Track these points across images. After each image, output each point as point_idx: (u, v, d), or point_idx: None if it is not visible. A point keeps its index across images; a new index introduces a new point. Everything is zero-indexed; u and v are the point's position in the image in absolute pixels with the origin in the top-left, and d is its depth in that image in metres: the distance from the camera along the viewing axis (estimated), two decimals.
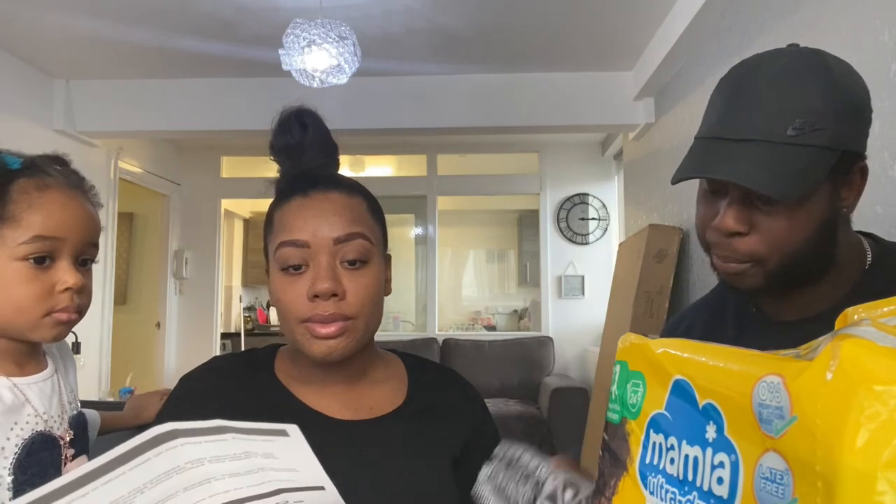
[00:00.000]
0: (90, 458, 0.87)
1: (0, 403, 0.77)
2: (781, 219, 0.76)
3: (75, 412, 0.88)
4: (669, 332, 1.08)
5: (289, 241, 0.79)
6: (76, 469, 0.79)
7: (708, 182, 0.83)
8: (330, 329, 0.78)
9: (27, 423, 0.79)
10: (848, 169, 0.78)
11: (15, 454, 0.76)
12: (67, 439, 0.83)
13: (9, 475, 0.75)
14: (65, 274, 0.80)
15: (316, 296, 0.77)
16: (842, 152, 0.75)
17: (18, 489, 0.75)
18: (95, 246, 0.86)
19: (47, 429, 0.81)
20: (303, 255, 0.79)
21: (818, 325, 0.72)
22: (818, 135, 0.73)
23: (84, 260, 0.85)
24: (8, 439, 0.76)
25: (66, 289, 0.80)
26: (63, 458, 0.81)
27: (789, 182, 0.73)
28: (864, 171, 0.80)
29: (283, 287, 0.80)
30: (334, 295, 0.78)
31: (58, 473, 0.79)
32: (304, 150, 0.86)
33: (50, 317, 0.80)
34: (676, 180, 0.81)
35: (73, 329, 0.87)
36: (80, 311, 0.84)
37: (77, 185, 0.86)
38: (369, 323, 0.82)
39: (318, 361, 0.82)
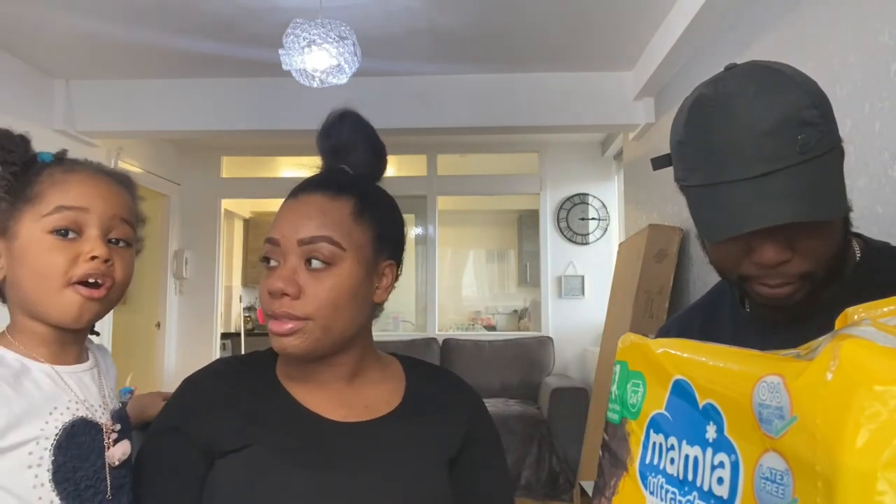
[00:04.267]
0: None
1: (39, 390, 0.79)
2: (819, 233, 0.76)
3: (118, 406, 0.90)
4: (670, 328, 1.08)
5: (267, 238, 0.84)
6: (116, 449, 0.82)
7: None
8: (283, 327, 0.80)
9: (67, 408, 0.81)
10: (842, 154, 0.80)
11: (56, 436, 0.78)
12: (111, 427, 0.85)
13: (49, 456, 0.77)
14: (92, 243, 0.81)
15: (270, 292, 0.81)
16: (839, 142, 0.77)
17: (58, 470, 0.77)
18: (128, 224, 0.86)
19: (89, 415, 0.82)
20: (275, 252, 0.83)
21: (810, 324, 0.74)
22: (821, 140, 0.73)
23: (117, 240, 0.85)
24: (47, 423, 0.78)
25: (93, 258, 0.80)
26: (106, 443, 0.83)
27: (831, 196, 0.74)
28: (843, 152, 0.79)
29: (261, 280, 0.84)
30: (286, 295, 0.80)
31: (100, 458, 0.82)
32: (341, 151, 0.90)
33: (72, 288, 0.80)
34: (719, 239, 0.79)
35: None
36: (110, 290, 0.83)
37: (109, 172, 0.87)
38: (330, 325, 0.81)
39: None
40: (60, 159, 0.86)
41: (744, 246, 0.79)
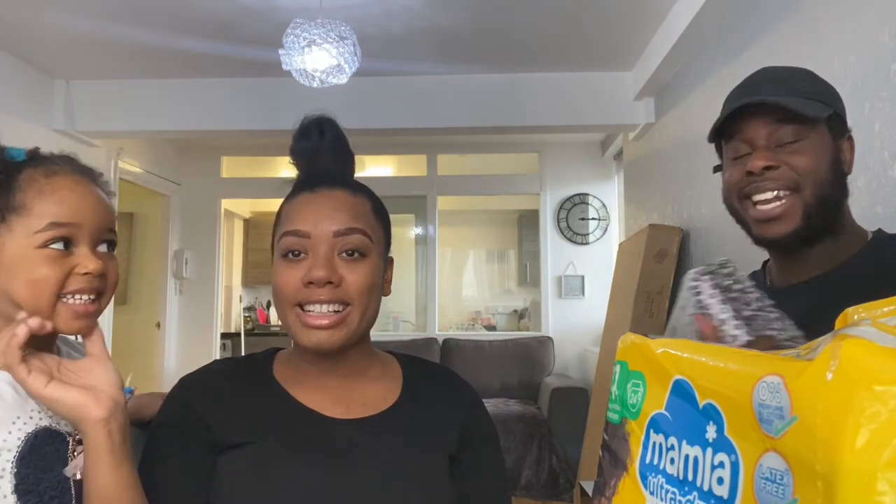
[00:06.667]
0: None
1: (1, 401, 0.77)
2: (802, 154, 0.91)
3: None
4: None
5: (291, 231, 0.84)
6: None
7: (732, 150, 0.98)
8: (323, 320, 0.81)
9: (31, 417, 0.79)
10: (842, 132, 0.96)
11: (18, 447, 0.76)
12: (77, 436, 0.83)
13: (12, 468, 0.75)
14: (85, 259, 0.81)
15: (311, 282, 0.81)
16: (834, 111, 0.94)
17: (21, 482, 0.76)
18: (112, 231, 0.87)
19: (53, 424, 0.81)
20: (303, 244, 0.83)
21: (808, 288, 0.92)
22: (812, 94, 0.94)
23: (104, 243, 0.85)
24: (10, 433, 0.76)
25: (86, 273, 0.81)
26: (70, 452, 0.81)
27: (807, 109, 0.91)
28: (852, 144, 0.97)
29: (281, 272, 0.83)
30: (329, 283, 0.81)
31: (64, 467, 0.80)
32: (321, 155, 0.91)
33: (66, 305, 0.80)
34: (713, 132, 0.98)
35: None
36: (100, 298, 0.84)
37: (85, 172, 0.87)
38: (364, 314, 0.84)
39: (308, 351, 0.85)
40: (35, 158, 0.84)
41: (741, 166, 0.95)
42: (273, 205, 0.92)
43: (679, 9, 2.81)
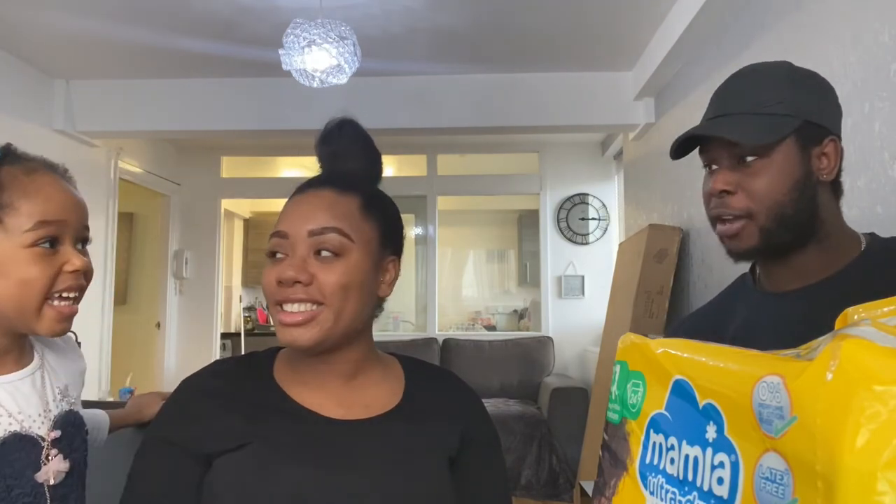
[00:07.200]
0: (99, 455, 0.85)
1: None
2: (760, 175, 0.90)
3: (64, 411, 0.86)
4: (682, 324, 1.16)
5: (275, 232, 0.85)
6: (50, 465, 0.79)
7: (703, 161, 0.97)
8: (296, 318, 0.81)
9: None
10: (819, 139, 0.91)
11: None
12: (51, 439, 0.81)
13: None
14: (72, 256, 0.81)
15: (280, 282, 0.81)
16: (804, 121, 0.89)
17: None
18: (88, 229, 0.88)
19: (23, 429, 0.79)
20: (283, 245, 0.84)
21: (802, 296, 0.90)
22: (778, 107, 0.90)
23: (80, 241, 0.86)
24: None
25: (73, 271, 0.81)
26: (44, 457, 0.80)
27: (752, 134, 0.89)
28: (836, 146, 0.92)
29: (265, 272, 0.85)
30: (298, 282, 0.81)
31: (38, 472, 0.79)
32: (340, 157, 0.92)
33: (52, 308, 0.80)
34: (672, 151, 0.97)
35: (74, 329, 0.86)
36: (81, 295, 0.85)
37: (56, 168, 0.87)
38: (341, 313, 0.82)
39: (290, 348, 0.86)
40: (9, 155, 0.83)
41: (711, 175, 0.95)
42: (273, 205, 0.93)
43: (679, 9, 2.81)
